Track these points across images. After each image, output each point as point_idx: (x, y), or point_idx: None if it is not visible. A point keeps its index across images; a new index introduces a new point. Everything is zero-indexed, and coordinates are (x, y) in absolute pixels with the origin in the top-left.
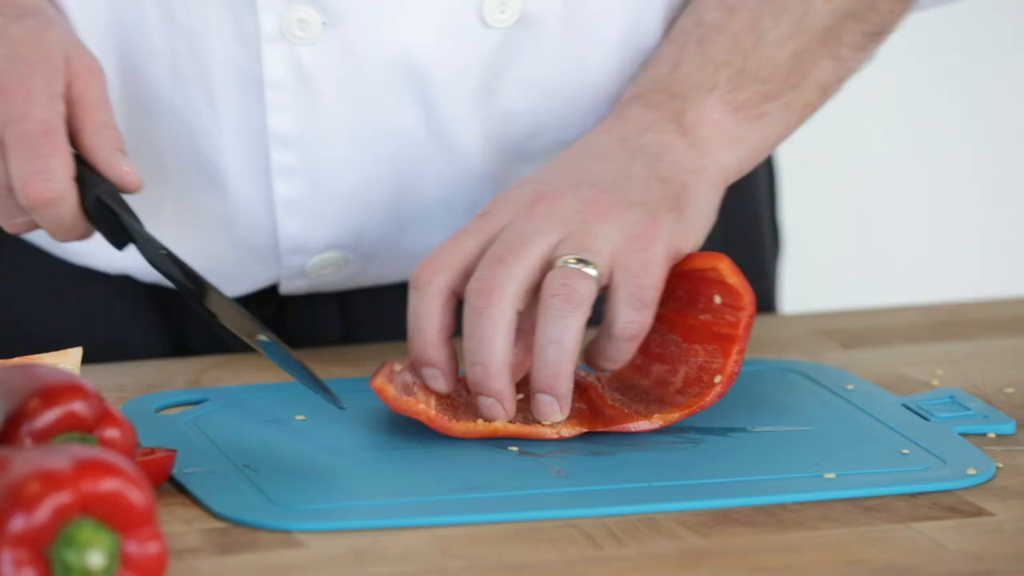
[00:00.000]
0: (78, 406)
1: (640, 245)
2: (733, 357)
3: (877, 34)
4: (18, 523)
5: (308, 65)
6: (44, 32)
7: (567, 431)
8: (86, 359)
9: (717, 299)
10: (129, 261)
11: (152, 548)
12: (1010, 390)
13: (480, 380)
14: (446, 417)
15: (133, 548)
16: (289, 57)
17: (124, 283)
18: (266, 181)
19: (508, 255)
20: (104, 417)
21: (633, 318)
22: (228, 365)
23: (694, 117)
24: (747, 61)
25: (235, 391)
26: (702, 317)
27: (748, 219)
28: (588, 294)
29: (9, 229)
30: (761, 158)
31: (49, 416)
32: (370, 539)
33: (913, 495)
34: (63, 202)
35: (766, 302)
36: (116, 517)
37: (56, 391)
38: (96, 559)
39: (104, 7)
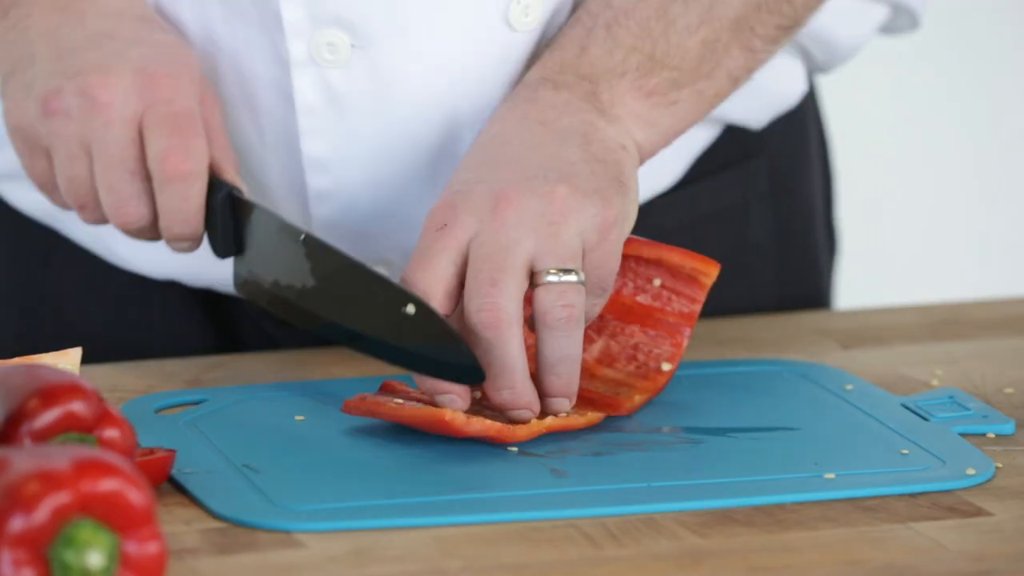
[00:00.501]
0: (78, 406)
1: (601, 235)
2: (684, 345)
3: (789, 27)
4: (18, 523)
5: (339, 88)
6: (188, 48)
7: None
8: (139, 356)
9: (656, 282)
10: (175, 267)
11: (152, 548)
12: (1009, 390)
13: (508, 401)
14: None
15: (133, 548)
16: (319, 80)
17: (173, 288)
18: (305, 199)
19: (498, 276)
20: (104, 417)
21: (595, 302)
22: (228, 365)
23: (608, 98)
24: (656, 47)
25: (235, 391)
26: (639, 298)
27: (802, 218)
28: (583, 304)
29: (117, 219)
30: (670, 143)
31: (49, 416)
32: (370, 539)
33: (913, 495)
34: (197, 182)
35: (818, 300)
36: (115, 517)
37: (56, 391)
38: (95, 559)
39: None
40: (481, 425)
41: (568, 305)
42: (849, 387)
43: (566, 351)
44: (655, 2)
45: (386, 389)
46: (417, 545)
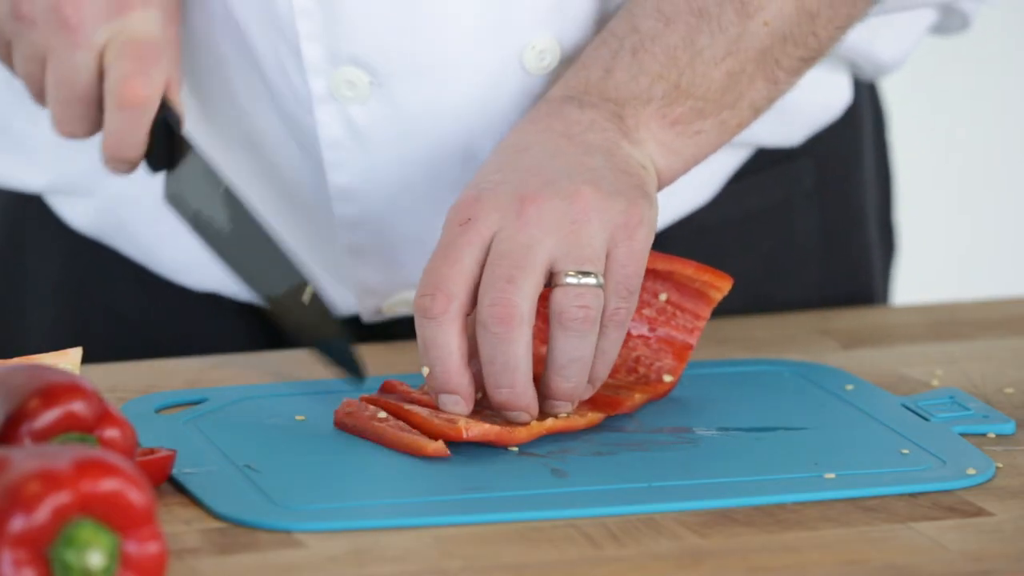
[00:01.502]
0: (78, 406)
1: (626, 234)
2: (686, 360)
3: (812, 59)
4: (18, 523)
5: (360, 122)
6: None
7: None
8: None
9: (663, 297)
10: (218, 280)
11: (152, 548)
12: (1010, 390)
13: (508, 400)
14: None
15: (133, 548)
16: (341, 115)
17: (223, 303)
18: (333, 229)
19: (516, 273)
20: (104, 417)
21: (620, 305)
22: (228, 365)
23: (633, 123)
24: (682, 77)
25: (235, 391)
26: (644, 312)
27: (851, 217)
28: (599, 307)
29: (57, 128)
30: (689, 171)
31: (49, 416)
32: (370, 539)
33: (913, 495)
34: (149, 109)
35: (869, 300)
36: (116, 517)
37: (56, 391)
38: (96, 559)
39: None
40: (479, 430)
41: (584, 306)
42: (849, 387)
43: (577, 353)
44: (682, 30)
45: (386, 389)
46: (417, 545)
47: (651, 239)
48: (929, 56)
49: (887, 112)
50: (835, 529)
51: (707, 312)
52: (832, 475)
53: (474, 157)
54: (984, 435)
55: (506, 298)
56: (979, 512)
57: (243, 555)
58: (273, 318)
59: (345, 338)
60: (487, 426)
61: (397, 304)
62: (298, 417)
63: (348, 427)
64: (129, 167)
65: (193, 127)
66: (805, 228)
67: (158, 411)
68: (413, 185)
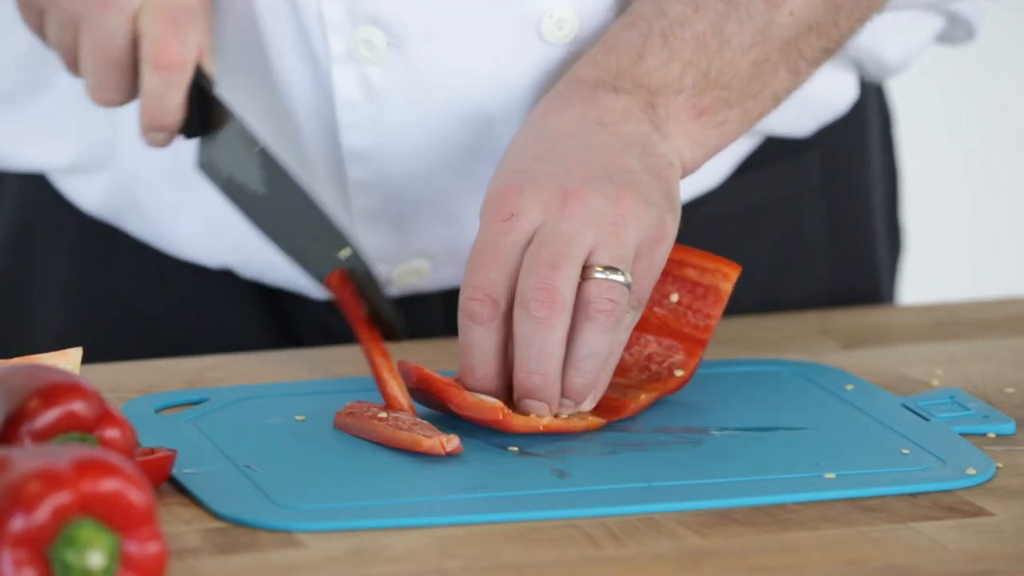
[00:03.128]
0: (78, 406)
1: (649, 248)
2: (698, 358)
3: (832, 50)
4: (18, 523)
5: (376, 83)
6: None
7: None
8: (201, 351)
9: (674, 297)
10: (230, 253)
11: (152, 548)
12: (1010, 390)
13: (537, 387)
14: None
15: (133, 548)
16: (358, 76)
17: (233, 283)
18: (346, 192)
19: (561, 260)
20: (104, 417)
21: (629, 312)
22: (228, 365)
23: (664, 114)
24: (711, 65)
25: (235, 391)
26: (656, 310)
27: (858, 212)
28: (624, 307)
29: (92, 96)
30: (706, 161)
31: (49, 416)
32: (370, 539)
33: (913, 495)
34: (185, 71)
35: (875, 295)
36: (116, 517)
37: (56, 391)
38: (96, 559)
39: None
40: (477, 401)
41: (612, 300)
42: (849, 387)
43: (597, 347)
44: (711, 16)
45: (421, 377)
46: (417, 545)
47: (668, 253)
48: (934, 57)
49: (894, 112)
50: (835, 529)
51: (718, 310)
52: (832, 475)
53: (489, 124)
54: (984, 435)
55: (550, 283)
56: (979, 512)
57: (243, 555)
58: (310, 276)
59: (385, 295)
60: (490, 401)
61: (407, 273)
62: (298, 417)
63: (348, 427)
64: (167, 136)
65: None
66: (812, 221)
67: (158, 411)
68: (427, 149)
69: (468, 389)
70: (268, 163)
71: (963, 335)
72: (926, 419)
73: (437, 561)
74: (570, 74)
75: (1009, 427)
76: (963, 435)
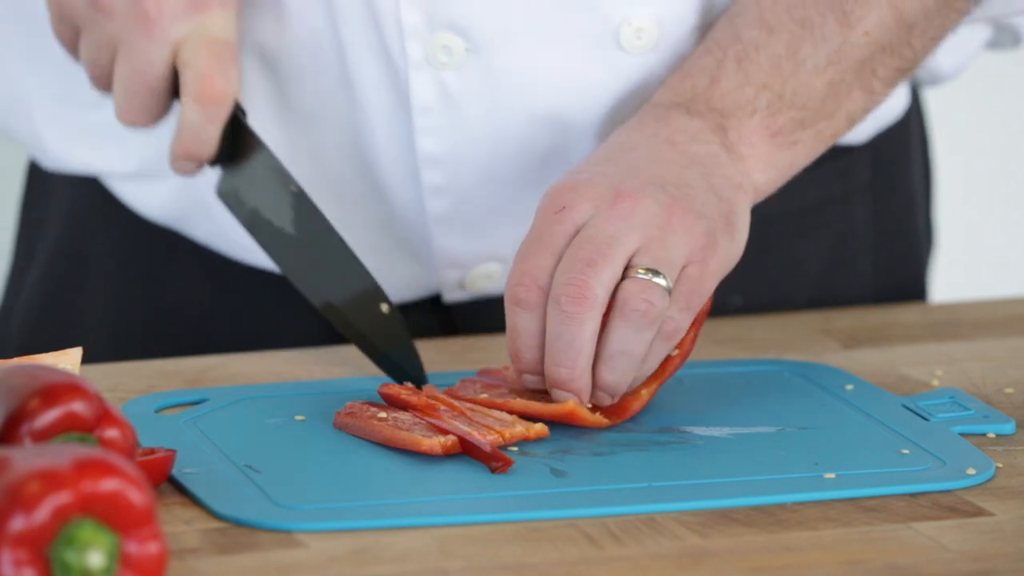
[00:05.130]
0: (78, 406)
1: (702, 256)
2: (693, 337)
3: (907, 70)
4: (18, 523)
5: (453, 89)
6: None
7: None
8: (254, 350)
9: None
10: None
11: (152, 548)
12: (1010, 390)
13: (564, 380)
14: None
15: (133, 548)
16: (435, 81)
17: (288, 282)
18: (420, 195)
19: (598, 258)
20: (104, 417)
21: (676, 317)
22: (228, 365)
23: (736, 135)
24: (785, 86)
25: (235, 391)
26: None
27: (902, 211)
28: (663, 309)
29: (121, 118)
30: (782, 183)
31: (49, 416)
32: (370, 539)
33: (913, 495)
34: (226, 106)
35: (917, 292)
36: (116, 517)
37: (56, 391)
38: (96, 559)
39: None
40: (454, 441)
41: (649, 301)
42: (849, 387)
43: (629, 346)
44: (785, 39)
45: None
46: (417, 545)
47: (726, 269)
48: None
49: (929, 115)
50: (835, 529)
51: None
52: (832, 475)
53: (564, 131)
54: (984, 435)
55: (583, 280)
56: (979, 512)
57: (243, 555)
58: (334, 322)
59: (412, 349)
60: (463, 430)
61: (479, 278)
62: (298, 417)
63: (348, 427)
64: (196, 166)
65: (272, 105)
66: (861, 220)
67: (158, 411)
68: (501, 155)
69: (518, 370)
70: (303, 206)
71: (963, 335)
72: (926, 419)
73: (437, 561)
74: (649, 101)
75: (1009, 427)
76: (963, 435)
